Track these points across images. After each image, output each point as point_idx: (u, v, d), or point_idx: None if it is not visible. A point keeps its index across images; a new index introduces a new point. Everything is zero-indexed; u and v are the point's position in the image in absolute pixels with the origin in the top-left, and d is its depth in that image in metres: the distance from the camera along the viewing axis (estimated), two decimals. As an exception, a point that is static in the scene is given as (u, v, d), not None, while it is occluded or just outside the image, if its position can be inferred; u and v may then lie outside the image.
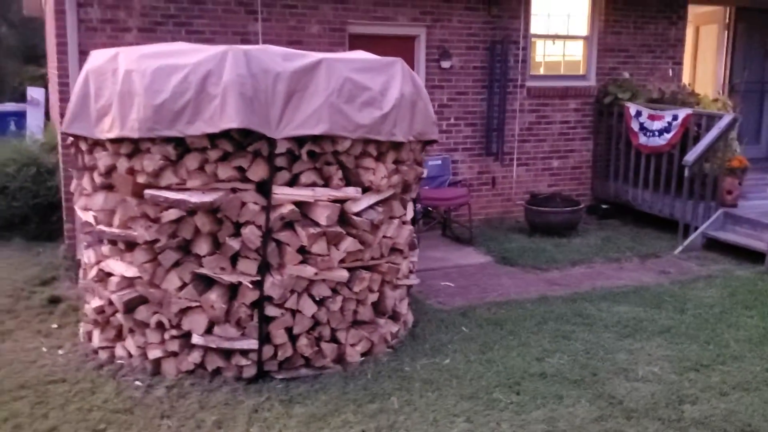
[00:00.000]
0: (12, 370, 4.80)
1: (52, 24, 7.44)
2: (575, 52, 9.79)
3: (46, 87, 20.16)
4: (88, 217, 4.90)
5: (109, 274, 4.76)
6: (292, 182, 4.57)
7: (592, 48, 9.72)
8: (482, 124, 9.10)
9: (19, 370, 4.80)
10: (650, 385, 4.54)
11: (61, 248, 7.65)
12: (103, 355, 4.91)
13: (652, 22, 9.92)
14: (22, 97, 23.70)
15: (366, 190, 4.79)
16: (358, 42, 8.32)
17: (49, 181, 8.02)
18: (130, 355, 4.77)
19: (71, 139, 4.93)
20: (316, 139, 4.52)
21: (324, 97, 4.44)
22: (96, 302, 4.86)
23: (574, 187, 9.80)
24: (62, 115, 7.12)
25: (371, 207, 4.83)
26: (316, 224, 4.58)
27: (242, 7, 7.71)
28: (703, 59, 11.98)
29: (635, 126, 8.97)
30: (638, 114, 8.94)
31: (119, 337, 4.84)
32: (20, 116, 13.32)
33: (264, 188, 4.51)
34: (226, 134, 4.36)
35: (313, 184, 4.61)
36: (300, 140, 4.49)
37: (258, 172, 4.43)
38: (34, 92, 12.99)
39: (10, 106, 14.21)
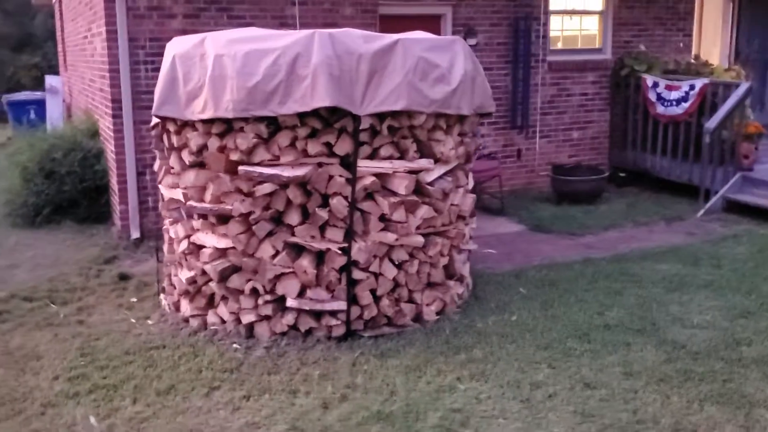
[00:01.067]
0: (111, 339, 5.14)
1: (100, 13, 7.67)
2: (591, 26, 10.14)
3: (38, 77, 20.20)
4: (175, 194, 5.22)
5: (201, 247, 5.09)
6: (372, 155, 4.92)
7: (607, 22, 10.07)
8: (506, 98, 9.45)
9: (118, 339, 5.14)
10: (706, 331, 4.97)
11: (113, 229, 7.96)
12: (195, 323, 5.25)
13: (663, -5, 10.29)
14: (18, 86, 23.80)
15: (436, 161, 5.15)
16: (387, 22, 8.63)
17: (95, 165, 8.29)
18: (223, 321, 5.12)
19: (156, 121, 5.22)
20: (394, 114, 4.86)
21: (402, 75, 4.79)
22: (186, 273, 5.19)
23: (593, 157, 10.19)
24: (114, 101, 7.42)
25: (441, 177, 5.20)
26: (394, 194, 4.94)
27: (280, -9, 7.99)
28: (708, 30, 12.36)
29: (653, 96, 9.35)
30: (655, 85, 9.33)
31: (210, 305, 5.18)
32: (39, 105, 13.49)
33: (346, 162, 4.86)
34: (314, 112, 4.70)
35: (390, 157, 4.96)
36: (380, 116, 4.84)
37: (344, 146, 4.77)
38: (53, 80, 13.16)
39: (28, 95, 14.36)
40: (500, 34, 9.31)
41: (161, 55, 7.45)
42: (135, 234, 7.59)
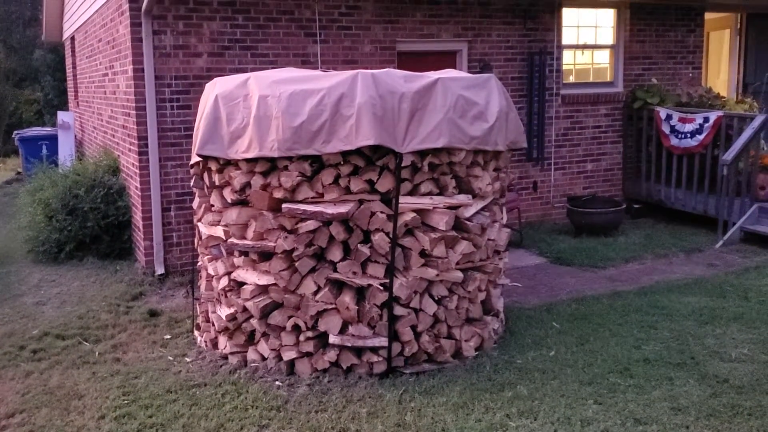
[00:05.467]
0: (151, 377, 5.13)
1: (126, 51, 7.78)
2: (603, 60, 10.31)
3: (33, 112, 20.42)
4: (216, 231, 5.26)
5: (242, 284, 5.12)
6: (412, 192, 4.98)
7: (618, 56, 10.24)
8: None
9: (158, 377, 5.13)
10: (746, 365, 5.00)
11: (137, 265, 7.97)
12: (234, 360, 5.26)
13: (672, 30, 10.48)
14: (20, 120, 23.92)
15: (474, 196, 5.22)
16: (405, 59, 8.77)
17: (118, 201, 8.33)
18: (264, 358, 5.13)
19: (197, 159, 5.27)
20: (435, 151, 4.93)
21: (443, 114, 4.87)
22: (226, 310, 5.21)
23: (607, 189, 10.29)
24: (140, 138, 7.48)
25: (479, 212, 5.26)
26: (435, 229, 4.99)
27: (302, 31, 8.12)
28: (712, 62, 12.58)
29: (666, 129, 9.48)
30: (669, 117, 9.46)
31: (250, 342, 5.19)
32: (52, 140, 13.54)
33: (386, 198, 4.91)
34: (357, 151, 4.77)
35: (430, 193, 5.03)
36: (421, 153, 4.91)
37: (385, 183, 4.84)
38: (65, 116, 13.23)
39: (39, 131, 14.41)
40: (514, 69, 9.45)
41: (186, 92, 7.62)
42: (159, 270, 7.61)
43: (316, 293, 4.89)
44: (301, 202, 4.85)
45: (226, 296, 5.24)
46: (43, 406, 4.74)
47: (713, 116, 8.99)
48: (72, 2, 12.53)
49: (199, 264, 5.83)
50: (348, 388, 4.81)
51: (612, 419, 4.25)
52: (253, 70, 7.79)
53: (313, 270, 4.90)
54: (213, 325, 5.45)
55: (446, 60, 9.09)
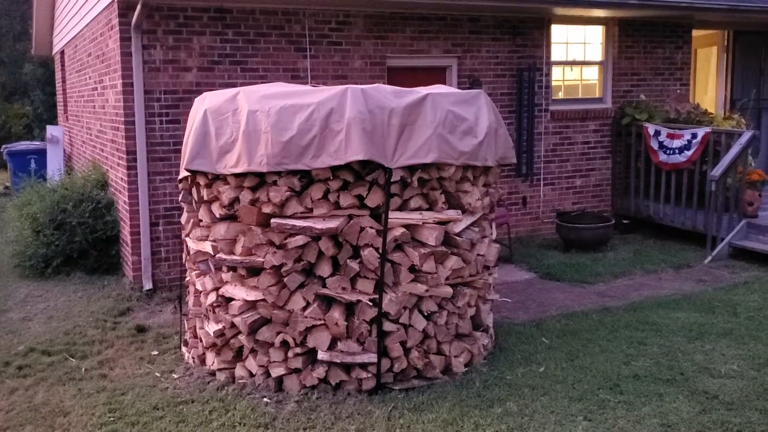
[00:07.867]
0: (137, 394, 5.08)
1: (115, 66, 7.77)
2: (591, 76, 10.37)
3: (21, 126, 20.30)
4: (204, 246, 5.23)
5: (230, 299, 5.08)
6: (402, 207, 4.97)
7: (607, 72, 10.31)
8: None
9: (144, 393, 5.08)
10: (735, 381, 5.00)
11: (124, 280, 7.92)
12: (222, 376, 5.21)
13: (660, 47, 10.56)
14: (9, 134, 23.80)
15: (464, 211, 5.22)
16: (395, 74, 8.79)
17: (106, 216, 8.28)
18: (252, 375, 5.09)
19: (185, 174, 5.25)
20: (424, 166, 4.93)
21: (432, 129, 4.87)
22: (214, 326, 5.17)
23: (596, 204, 10.32)
24: (128, 152, 7.45)
25: (469, 227, 5.25)
26: (424, 245, 4.98)
27: (292, 46, 8.13)
28: (700, 79, 12.68)
29: (655, 144, 9.53)
30: (657, 133, 9.52)
31: (238, 358, 5.15)
32: (40, 155, 13.49)
33: (376, 213, 4.90)
34: (346, 166, 4.76)
35: (420, 208, 5.02)
36: (411, 168, 4.91)
37: (375, 199, 4.83)
38: (54, 130, 13.17)
39: (28, 145, 14.35)
40: (504, 85, 9.49)
41: (176, 107, 7.60)
42: (147, 285, 7.56)
43: (304, 309, 4.86)
44: (290, 217, 4.83)
45: (214, 312, 5.20)
46: (28, 423, 4.68)
47: (701, 132, 9.04)
48: (62, 16, 12.52)
49: (187, 279, 5.79)
50: (337, 404, 4.78)
51: (602, 436, 4.24)
52: (242, 84, 7.79)
53: (301, 285, 4.87)
54: (201, 341, 5.41)
55: (436, 75, 9.13)
